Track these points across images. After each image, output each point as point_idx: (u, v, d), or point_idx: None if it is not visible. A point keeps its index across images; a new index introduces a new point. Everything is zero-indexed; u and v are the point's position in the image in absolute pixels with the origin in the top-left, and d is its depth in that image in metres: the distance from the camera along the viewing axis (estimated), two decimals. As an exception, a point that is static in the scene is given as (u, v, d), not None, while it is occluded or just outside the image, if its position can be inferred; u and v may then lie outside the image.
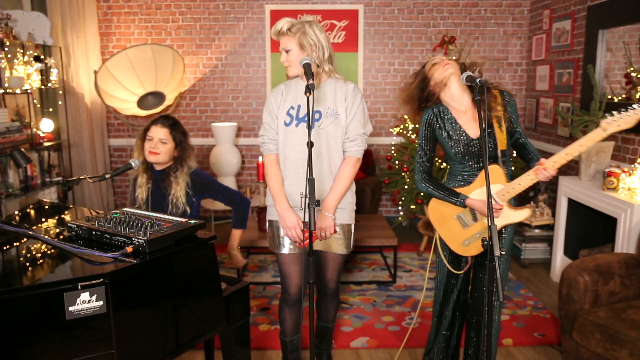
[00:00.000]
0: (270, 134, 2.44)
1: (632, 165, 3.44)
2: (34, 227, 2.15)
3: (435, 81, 2.35)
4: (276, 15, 5.58)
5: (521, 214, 2.33)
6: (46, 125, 4.40)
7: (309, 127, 1.98)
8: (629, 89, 3.89)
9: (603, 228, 4.00)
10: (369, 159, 5.56)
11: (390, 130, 5.72)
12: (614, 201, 3.37)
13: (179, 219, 1.93)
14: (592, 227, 4.07)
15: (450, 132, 2.37)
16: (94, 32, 5.31)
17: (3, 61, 3.92)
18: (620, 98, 3.93)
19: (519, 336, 3.27)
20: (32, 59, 4.25)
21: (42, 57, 4.40)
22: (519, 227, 4.64)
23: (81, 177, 2.60)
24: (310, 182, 1.92)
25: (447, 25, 5.62)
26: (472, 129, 2.36)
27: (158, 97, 5.17)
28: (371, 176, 5.42)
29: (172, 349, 1.80)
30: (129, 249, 1.68)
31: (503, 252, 1.84)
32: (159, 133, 2.56)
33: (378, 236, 4.12)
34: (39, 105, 4.60)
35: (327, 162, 2.40)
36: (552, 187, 4.74)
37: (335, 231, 2.40)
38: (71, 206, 2.72)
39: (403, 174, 4.80)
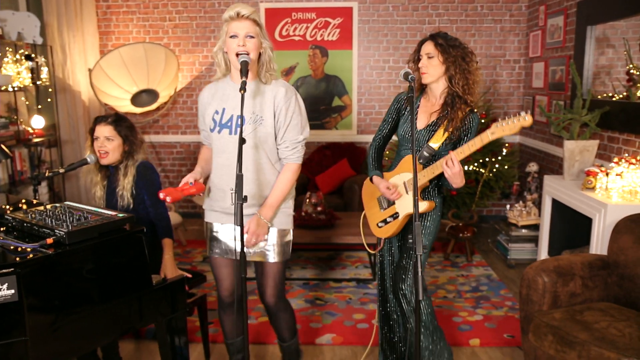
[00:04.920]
0: (204, 134, 2.45)
1: (610, 165, 3.35)
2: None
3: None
4: (271, 14, 5.61)
5: (421, 205, 2.38)
6: (37, 122, 4.53)
7: (241, 124, 2.00)
8: (629, 86, 3.77)
9: (588, 228, 3.91)
10: (360, 157, 5.55)
11: (384, 128, 5.69)
12: (590, 201, 3.30)
13: (109, 212, 1.98)
14: (576, 228, 3.98)
15: (407, 116, 2.51)
16: (92, 31, 5.44)
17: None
18: (621, 96, 3.81)
19: (487, 337, 3.23)
20: (23, 57, 4.39)
21: (33, 55, 4.53)
22: (506, 227, 4.57)
23: (43, 172, 2.68)
24: (239, 177, 1.93)
25: (442, 22, 5.56)
26: (422, 120, 2.48)
27: (152, 94, 5.27)
28: (362, 174, 5.41)
29: (97, 338, 1.85)
30: (49, 240, 1.74)
31: (425, 250, 1.85)
32: (103, 131, 2.55)
33: (358, 234, 4.10)
34: (27, 103, 4.73)
35: (253, 171, 2.28)
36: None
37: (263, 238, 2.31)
38: (35, 201, 2.80)
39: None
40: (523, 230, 4.45)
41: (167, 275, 2.40)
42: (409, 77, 2.05)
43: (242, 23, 2.16)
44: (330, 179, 5.34)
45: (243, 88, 2.01)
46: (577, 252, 3.70)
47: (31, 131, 4.54)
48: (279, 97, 2.25)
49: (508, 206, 5.73)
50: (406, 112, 2.51)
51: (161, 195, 2.05)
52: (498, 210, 5.84)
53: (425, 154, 2.37)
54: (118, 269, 1.89)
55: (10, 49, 4.42)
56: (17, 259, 1.66)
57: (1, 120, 4.06)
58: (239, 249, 1.96)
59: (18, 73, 4.40)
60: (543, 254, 4.09)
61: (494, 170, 4.82)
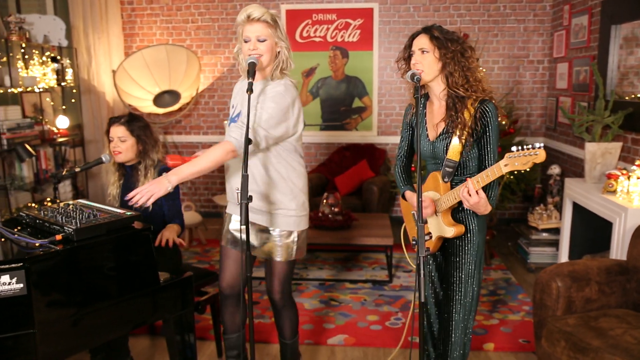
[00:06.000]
0: None
1: (632, 168, 3.26)
2: None
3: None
4: (292, 15, 5.64)
5: (449, 230, 2.20)
6: (61, 122, 4.67)
7: (247, 125, 2.02)
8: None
9: (610, 233, 3.81)
10: (380, 158, 5.53)
11: (404, 129, 5.66)
12: (610, 205, 3.22)
13: (118, 210, 2.02)
14: (598, 232, 3.88)
15: (419, 128, 2.25)
16: (117, 33, 5.57)
17: (20, 62, 4.21)
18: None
19: (502, 341, 3.18)
20: (49, 59, 4.53)
21: (58, 57, 4.67)
22: (527, 230, 4.49)
23: (61, 170, 2.76)
24: (244, 178, 1.96)
25: (464, 23, 5.49)
26: (430, 131, 2.25)
27: (174, 95, 5.35)
28: (382, 175, 5.39)
29: (104, 333, 1.89)
30: (58, 236, 1.79)
31: (427, 253, 1.83)
32: (117, 132, 2.62)
33: (374, 235, 4.10)
34: (52, 103, 4.87)
35: (257, 163, 2.30)
36: (565, 189, 4.55)
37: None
38: (58, 200, 2.87)
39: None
40: (543, 234, 4.36)
41: (164, 233, 2.60)
42: (415, 77, 2.03)
43: (254, 26, 2.16)
44: (350, 180, 5.34)
45: (250, 89, 2.04)
46: (598, 257, 3.61)
47: (56, 131, 4.69)
48: (271, 88, 2.23)
49: (530, 208, 5.63)
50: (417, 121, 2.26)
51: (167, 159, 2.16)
52: (520, 213, 5.73)
53: (448, 169, 2.18)
54: (126, 266, 1.93)
55: (37, 52, 4.57)
56: (28, 254, 1.72)
57: (27, 120, 4.21)
58: (245, 248, 2.00)
59: (44, 74, 4.55)
60: (563, 258, 4.00)
61: (515, 172, 4.73)
